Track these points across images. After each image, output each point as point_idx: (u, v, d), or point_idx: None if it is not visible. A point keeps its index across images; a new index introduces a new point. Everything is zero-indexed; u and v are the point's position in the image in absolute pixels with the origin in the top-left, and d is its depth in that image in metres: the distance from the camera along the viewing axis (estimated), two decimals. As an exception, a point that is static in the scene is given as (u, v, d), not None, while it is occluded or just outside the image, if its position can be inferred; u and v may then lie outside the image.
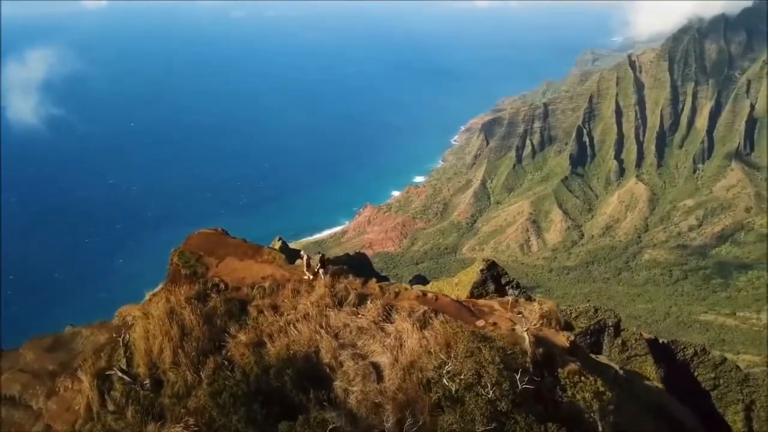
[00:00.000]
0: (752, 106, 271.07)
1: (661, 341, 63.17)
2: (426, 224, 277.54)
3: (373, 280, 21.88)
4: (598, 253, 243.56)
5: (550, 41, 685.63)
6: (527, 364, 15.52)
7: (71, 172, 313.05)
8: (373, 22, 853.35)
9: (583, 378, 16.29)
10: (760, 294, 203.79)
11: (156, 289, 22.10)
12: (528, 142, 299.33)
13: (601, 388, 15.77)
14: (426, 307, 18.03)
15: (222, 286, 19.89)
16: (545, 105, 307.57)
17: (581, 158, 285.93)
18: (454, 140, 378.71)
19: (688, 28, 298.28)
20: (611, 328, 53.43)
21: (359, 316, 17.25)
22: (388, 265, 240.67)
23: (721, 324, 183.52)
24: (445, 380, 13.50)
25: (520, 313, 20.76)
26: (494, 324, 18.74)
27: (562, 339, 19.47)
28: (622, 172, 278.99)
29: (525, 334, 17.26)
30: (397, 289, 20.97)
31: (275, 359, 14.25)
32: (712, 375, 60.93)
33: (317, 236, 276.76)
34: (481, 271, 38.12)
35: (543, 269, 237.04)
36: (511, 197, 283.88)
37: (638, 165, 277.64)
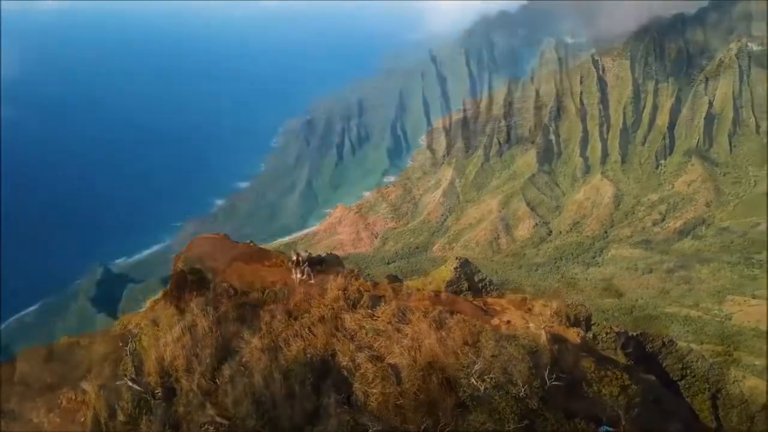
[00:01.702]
0: (710, 103, 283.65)
1: (630, 334, 66.06)
2: (397, 224, 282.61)
3: (385, 281, 22.38)
4: (566, 249, 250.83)
5: (349, 41, 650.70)
6: (550, 361, 15.65)
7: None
8: (163, 26, 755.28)
9: (609, 373, 16.78)
10: (721, 285, 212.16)
11: (157, 296, 22.20)
12: (495, 140, 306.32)
13: (627, 382, 16.39)
14: (441, 308, 18.10)
15: (231, 291, 19.96)
16: (510, 104, 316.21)
17: (548, 156, 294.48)
18: (422, 141, 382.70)
19: (647, 27, 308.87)
20: (583, 323, 56.33)
21: (374, 318, 17.35)
22: (359, 265, 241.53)
23: (686, 316, 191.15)
24: (473, 379, 13.38)
25: (529, 310, 21.38)
26: (508, 322, 19.27)
27: (574, 335, 20.15)
28: (587, 169, 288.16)
29: (542, 332, 17.83)
30: (409, 290, 21.23)
31: (294, 363, 14.13)
32: (680, 365, 64.63)
33: (288, 239, 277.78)
34: (455, 269, 40.25)
35: (513, 266, 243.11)
36: (480, 195, 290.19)
37: (603, 162, 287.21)
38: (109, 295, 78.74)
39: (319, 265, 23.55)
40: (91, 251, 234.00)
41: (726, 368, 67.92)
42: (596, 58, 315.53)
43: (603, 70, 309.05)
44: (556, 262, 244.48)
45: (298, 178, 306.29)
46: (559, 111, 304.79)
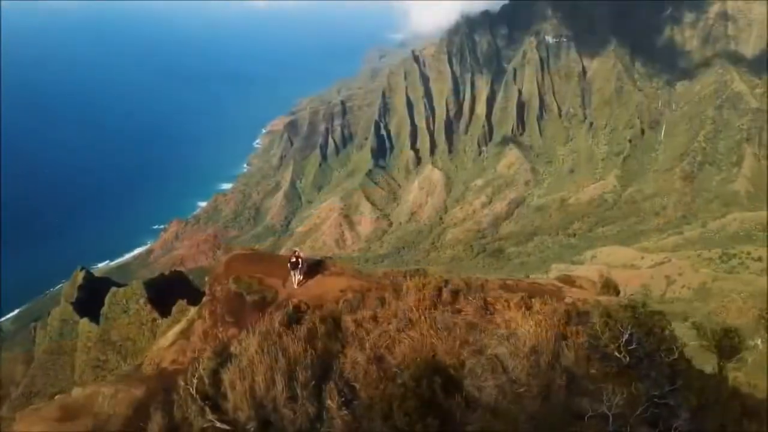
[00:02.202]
0: (519, 92, 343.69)
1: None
2: (239, 232, 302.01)
3: (454, 275, 23.79)
4: (407, 238, 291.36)
5: (334, 40, 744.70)
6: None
7: None
8: (145, 25, 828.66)
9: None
10: (546, 256, 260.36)
11: (182, 327, 22.21)
12: (330, 139, 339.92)
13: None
14: (522, 294, 19.20)
15: (303, 306, 20.24)
16: (342, 103, 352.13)
17: (381, 151, 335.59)
18: (257, 143, 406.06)
19: (460, 24, 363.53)
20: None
21: (462, 313, 17.93)
22: (203, 280, 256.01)
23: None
24: (616, 353, 13.72)
25: (581, 286, 22.70)
26: (584, 300, 19.97)
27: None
28: (418, 160, 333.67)
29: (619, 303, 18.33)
30: (479, 282, 22.20)
31: (416, 369, 14.13)
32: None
33: (119, 261, 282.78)
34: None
35: (359, 260, 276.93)
36: (322, 195, 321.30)
37: (432, 153, 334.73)
38: (92, 300, 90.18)
39: (317, 266, 24.93)
40: (73, 255, 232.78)
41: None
42: (417, 54, 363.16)
43: (424, 65, 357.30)
44: (399, 252, 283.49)
45: (283, 178, 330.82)
46: (387, 107, 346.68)
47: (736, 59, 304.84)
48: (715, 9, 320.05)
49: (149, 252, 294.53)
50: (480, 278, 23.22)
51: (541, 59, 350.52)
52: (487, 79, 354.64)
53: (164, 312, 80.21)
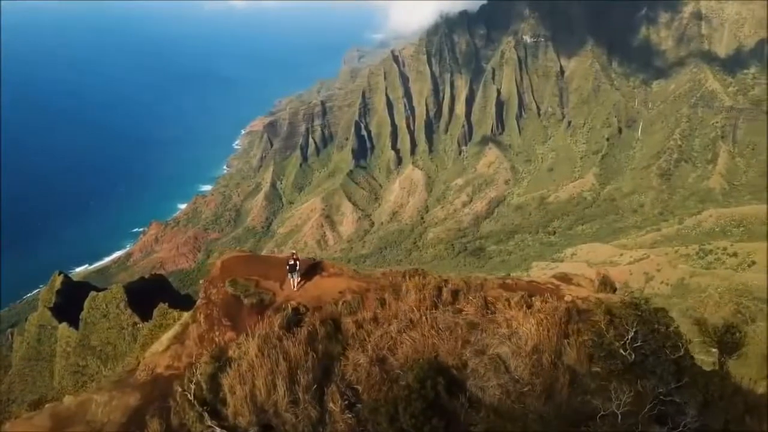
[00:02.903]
0: (498, 92, 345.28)
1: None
2: (220, 234, 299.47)
3: (452, 275, 23.65)
4: (389, 238, 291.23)
5: (314, 41, 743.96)
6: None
7: None
8: (124, 26, 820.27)
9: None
10: (526, 254, 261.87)
11: (176, 332, 21.99)
12: (311, 140, 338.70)
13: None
14: (522, 293, 19.13)
15: (302, 309, 20.04)
16: (322, 103, 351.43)
17: (362, 151, 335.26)
18: (237, 145, 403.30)
19: (439, 24, 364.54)
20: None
21: (463, 312, 17.79)
22: (184, 283, 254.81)
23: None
24: (621, 350, 13.62)
25: (578, 284, 22.65)
26: (584, 298, 19.88)
27: (617, 301, 20.51)
28: (399, 160, 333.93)
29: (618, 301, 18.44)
30: (479, 281, 22.18)
31: (420, 370, 13.81)
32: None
33: (98, 264, 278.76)
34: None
35: (341, 260, 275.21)
36: (302, 196, 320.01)
37: (413, 152, 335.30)
38: (70, 305, 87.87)
39: (315, 267, 24.70)
40: (51, 259, 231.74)
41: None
42: (396, 54, 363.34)
43: (403, 65, 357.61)
44: (381, 251, 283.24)
45: (263, 179, 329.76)
46: (367, 107, 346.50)
47: (709, 58, 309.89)
48: (689, 9, 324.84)
49: (128, 255, 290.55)
50: (479, 277, 23.20)
51: (519, 59, 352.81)
52: (466, 78, 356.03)
53: (145, 316, 78.93)
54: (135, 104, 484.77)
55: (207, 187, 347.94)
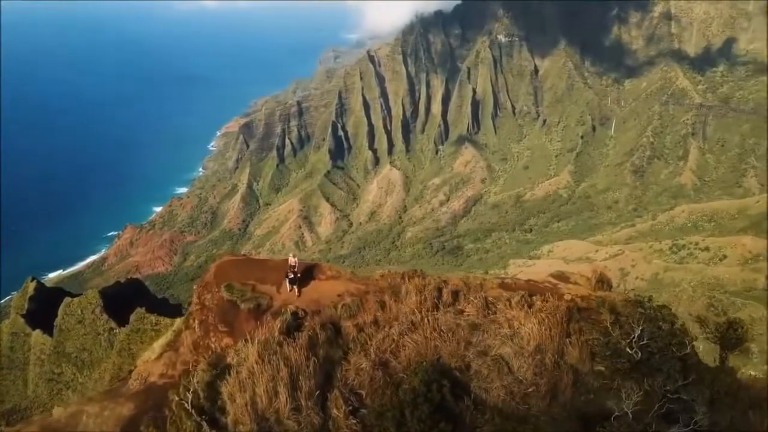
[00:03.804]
0: (474, 91, 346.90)
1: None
2: (196, 236, 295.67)
3: (454, 275, 23.58)
4: (368, 238, 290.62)
5: (289, 40, 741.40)
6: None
7: None
8: (94, 26, 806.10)
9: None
10: (503, 252, 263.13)
11: (164, 340, 21.47)
12: (287, 141, 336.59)
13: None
14: (522, 292, 19.02)
15: (301, 313, 19.84)
16: (298, 103, 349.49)
17: (339, 152, 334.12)
18: (212, 146, 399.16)
19: (414, 24, 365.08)
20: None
21: (465, 313, 17.69)
22: (161, 286, 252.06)
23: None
24: (628, 349, 13.54)
25: (576, 282, 22.50)
26: (583, 296, 19.85)
27: (618, 298, 20.57)
28: (377, 160, 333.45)
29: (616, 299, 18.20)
30: (478, 281, 22.04)
31: (425, 373, 13.56)
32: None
33: (71, 270, 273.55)
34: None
35: (320, 261, 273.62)
36: (280, 197, 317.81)
37: (390, 152, 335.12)
38: (44, 311, 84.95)
39: (312, 271, 24.45)
40: (23, 265, 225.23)
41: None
42: (372, 54, 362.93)
43: (379, 65, 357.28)
44: (360, 252, 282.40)
45: (239, 181, 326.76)
46: (344, 107, 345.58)
47: (679, 57, 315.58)
48: (659, 9, 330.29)
49: (103, 260, 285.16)
50: (478, 277, 23.01)
51: (494, 58, 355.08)
52: (441, 78, 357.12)
53: (122, 321, 77.46)
54: (106, 107, 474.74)
55: (183, 190, 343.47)
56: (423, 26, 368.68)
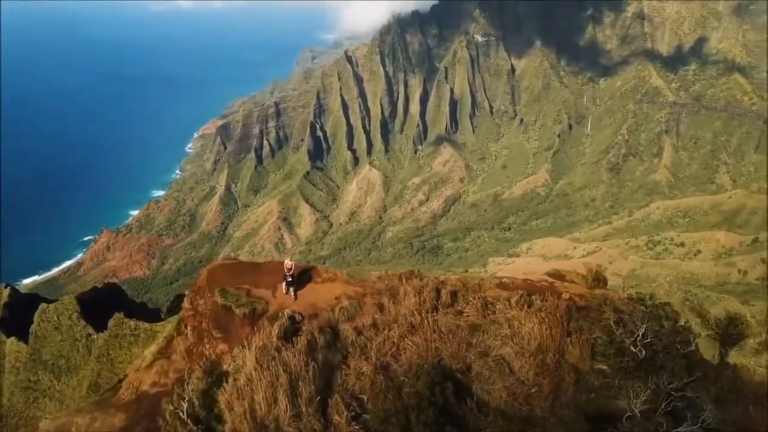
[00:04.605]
0: (452, 91, 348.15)
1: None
2: (175, 240, 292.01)
3: (447, 275, 22.54)
4: (348, 239, 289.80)
5: (265, 41, 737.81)
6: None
7: None
8: (64, 26, 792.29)
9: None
10: (483, 250, 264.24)
11: (155, 348, 20.85)
12: (265, 142, 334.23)
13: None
14: (521, 292, 18.92)
15: (298, 317, 19.60)
16: (276, 104, 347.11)
17: (318, 152, 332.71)
18: (190, 148, 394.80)
19: (391, 24, 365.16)
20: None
21: (464, 314, 17.62)
22: (139, 291, 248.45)
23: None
24: (632, 347, 13.47)
25: (572, 280, 22.49)
26: (581, 294, 19.81)
27: (617, 296, 20.64)
28: (356, 161, 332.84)
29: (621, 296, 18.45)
30: (476, 281, 21.89)
31: (427, 376, 13.42)
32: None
33: (46, 275, 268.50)
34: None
35: (300, 263, 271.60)
36: (258, 199, 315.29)
37: (369, 152, 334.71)
38: (18, 318, 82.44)
39: (308, 273, 24.21)
40: None
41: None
42: (349, 54, 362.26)
43: (357, 65, 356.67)
44: (340, 252, 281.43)
45: (218, 183, 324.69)
46: (322, 108, 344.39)
47: (652, 56, 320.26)
48: (632, 9, 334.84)
49: (79, 264, 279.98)
50: (476, 277, 22.76)
51: (471, 58, 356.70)
52: (419, 78, 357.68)
53: (99, 327, 75.88)
54: (81, 109, 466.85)
55: (160, 193, 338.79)
56: (400, 26, 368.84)
